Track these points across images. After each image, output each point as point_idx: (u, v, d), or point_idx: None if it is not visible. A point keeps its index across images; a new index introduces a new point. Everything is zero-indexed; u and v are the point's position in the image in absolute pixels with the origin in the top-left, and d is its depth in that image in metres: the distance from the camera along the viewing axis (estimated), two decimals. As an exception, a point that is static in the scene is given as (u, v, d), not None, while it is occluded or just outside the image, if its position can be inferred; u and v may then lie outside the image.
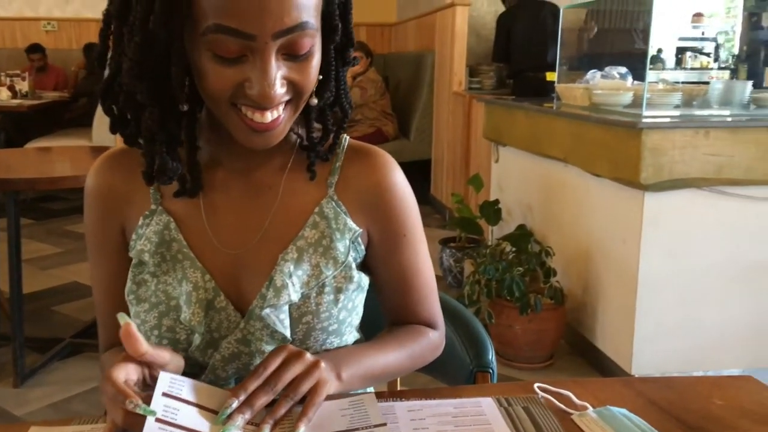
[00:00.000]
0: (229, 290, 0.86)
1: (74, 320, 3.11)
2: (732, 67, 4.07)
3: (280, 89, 0.73)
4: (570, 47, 3.89)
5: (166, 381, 0.71)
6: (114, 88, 0.79)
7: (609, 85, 2.94)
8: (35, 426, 0.76)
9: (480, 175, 3.65)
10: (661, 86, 3.17)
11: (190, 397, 0.71)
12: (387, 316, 0.97)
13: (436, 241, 3.66)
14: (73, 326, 2.99)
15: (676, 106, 2.72)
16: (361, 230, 0.89)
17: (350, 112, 0.88)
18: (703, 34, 4.13)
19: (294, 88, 0.75)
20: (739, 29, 3.99)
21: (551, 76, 3.59)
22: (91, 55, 6.01)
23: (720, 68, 4.03)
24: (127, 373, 0.70)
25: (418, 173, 5.26)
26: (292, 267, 0.85)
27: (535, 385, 0.84)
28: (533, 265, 2.73)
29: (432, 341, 0.96)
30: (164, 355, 0.73)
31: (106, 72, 0.80)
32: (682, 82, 3.77)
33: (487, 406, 0.80)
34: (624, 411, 0.77)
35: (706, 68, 4.04)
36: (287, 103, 0.77)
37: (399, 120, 5.61)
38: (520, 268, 2.68)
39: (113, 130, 0.83)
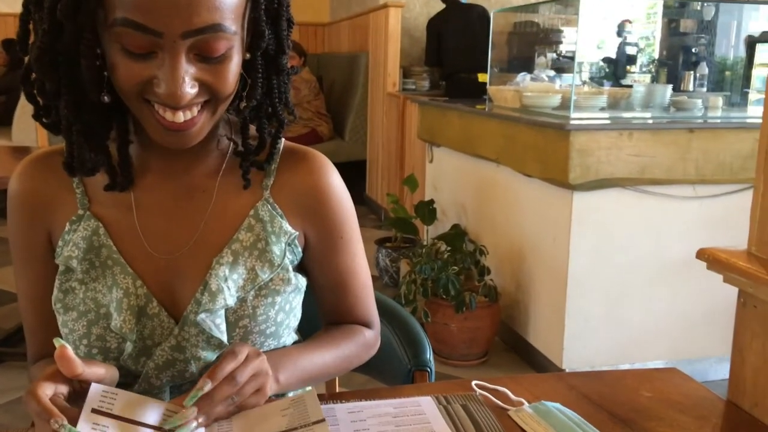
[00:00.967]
0: (162, 296, 0.84)
1: (-5, 328, 2.97)
2: (653, 70, 4.25)
3: (189, 90, 0.72)
4: (500, 50, 3.98)
5: (96, 396, 0.69)
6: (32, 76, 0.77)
7: (538, 87, 3.03)
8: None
9: (415, 176, 3.68)
10: (587, 89, 3.28)
11: (123, 412, 0.70)
12: (323, 316, 0.97)
13: (371, 241, 3.67)
14: (-6, 335, 2.86)
15: (602, 109, 2.82)
16: (297, 233, 0.89)
17: (286, 121, 0.86)
18: (626, 39, 4.29)
19: (208, 90, 0.74)
20: (659, 35, 4.17)
21: (483, 78, 3.66)
22: (11, 50, 5.74)
23: (641, 72, 4.21)
24: (55, 388, 0.67)
25: (354, 174, 5.26)
26: (227, 271, 0.84)
27: (473, 383, 0.86)
28: (468, 264, 2.78)
29: (368, 340, 0.97)
30: (99, 371, 0.72)
31: (26, 58, 0.77)
32: (609, 85, 3.91)
33: (426, 405, 0.81)
34: (558, 405, 0.80)
35: (630, 72, 4.20)
36: (204, 105, 0.76)
37: (333, 120, 5.60)
38: (455, 267, 2.72)
39: (36, 117, 0.80)
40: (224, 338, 0.83)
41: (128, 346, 0.82)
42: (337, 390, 1.17)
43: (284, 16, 0.80)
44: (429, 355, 1.19)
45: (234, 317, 0.85)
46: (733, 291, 0.87)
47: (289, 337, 0.92)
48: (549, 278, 2.60)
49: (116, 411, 0.69)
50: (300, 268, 0.92)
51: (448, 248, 2.90)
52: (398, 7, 4.73)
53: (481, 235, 3.09)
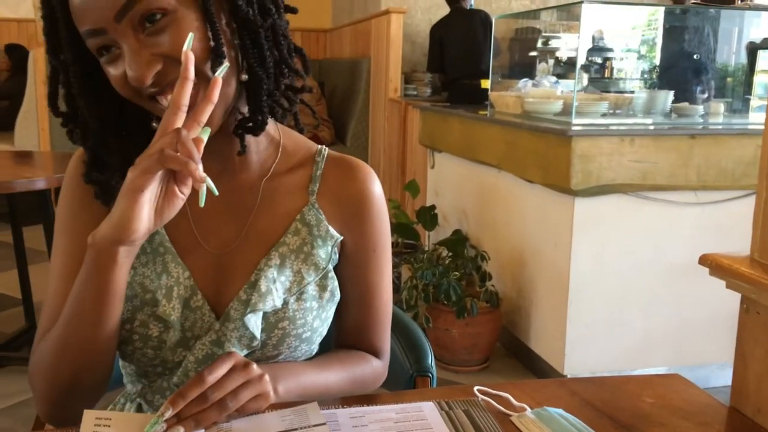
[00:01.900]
0: (207, 290, 0.85)
1: (-4, 333, 2.97)
2: (654, 77, 4.25)
3: (146, 66, 0.72)
4: (502, 56, 3.98)
5: (90, 422, 0.69)
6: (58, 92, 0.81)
7: (540, 93, 3.03)
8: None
9: (416, 181, 3.68)
10: (588, 95, 3.28)
11: None
12: (337, 335, 0.96)
13: (373, 246, 3.67)
14: (-5, 339, 2.86)
15: (603, 115, 2.83)
16: (341, 237, 0.89)
17: (283, 82, 0.82)
18: (626, 45, 4.30)
19: (171, 60, 0.73)
20: (660, 41, 4.18)
21: (486, 84, 3.67)
22: (14, 56, 5.75)
23: (642, 78, 4.21)
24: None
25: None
26: (275, 273, 0.84)
27: (475, 388, 0.86)
28: (469, 270, 2.78)
29: (376, 370, 0.96)
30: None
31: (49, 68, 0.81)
32: (611, 92, 3.91)
33: (428, 410, 0.81)
34: (560, 411, 0.80)
35: (631, 78, 4.20)
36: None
37: (335, 126, 5.60)
38: (457, 273, 2.72)
39: (64, 125, 0.83)
40: (259, 338, 0.83)
41: (172, 335, 0.82)
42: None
43: None
44: (431, 360, 1.19)
45: (274, 318, 0.85)
46: (735, 297, 0.87)
47: (316, 345, 0.92)
48: (550, 284, 2.60)
49: None
50: None
51: (450, 254, 2.90)
52: (400, 13, 4.74)
53: (482, 240, 3.09)
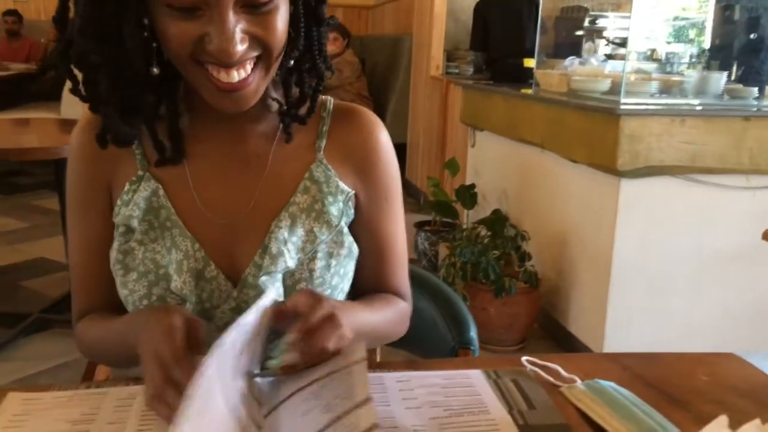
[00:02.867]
0: (220, 260, 0.84)
1: (42, 296, 3.04)
2: (706, 58, 4.12)
3: (240, 44, 0.71)
4: (548, 34, 3.90)
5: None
6: (71, 49, 0.77)
7: (587, 71, 2.96)
8: (13, 392, 0.74)
9: (456, 160, 3.65)
10: (637, 75, 3.20)
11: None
12: (359, 285, 0.95)
13: (411, 224, 3.65)
14: (41, 301, 2.93)
15: (653, 95, 2.75)
16: (352, 192, 0.88)
17: (326, 75, 0.86)
18: (678, 25, 4.17)
19: (260, 44, 0.73)
20: (712, 21, 4.04)
21: (529, 63, 3.60)
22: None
23: (694, 59, 4.09)
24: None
25: (394, 157, 5.24)
26: (286, 234, 0.84)
27: (523, 359, 0.84)
28: (508, 249, 2.75)
29: (404, 311, 0.96)
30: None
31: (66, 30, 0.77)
32: (660, 72, 3.81)
33: (475, 377, 0.80)
34: (612, 384, 0.78)
35: (682, 59, 4.09)
36: (257, 63, 0.75)
37: (375, 103, 5.57)
38: (496, 252, 2.69)
39: (73, 91, 0.80)
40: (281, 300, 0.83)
41: (190, 308, 0.82)
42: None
43: None
44: (473, 333, 1.18)
45: (291, 280, 0.84)
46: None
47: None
48: (592, 266, 2.56)
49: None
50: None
51: (489, 233, 2.87)
52: (444, -11, 4.67)
53: (522, 220, 3.05)
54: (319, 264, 0.85)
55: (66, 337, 2.59)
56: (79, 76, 0.79)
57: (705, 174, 2.40)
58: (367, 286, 0.95)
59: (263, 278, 0.82)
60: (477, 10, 4.86)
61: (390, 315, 0.92)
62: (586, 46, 3.86)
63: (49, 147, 2.42)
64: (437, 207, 3.46)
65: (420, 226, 3.65)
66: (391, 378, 0.79)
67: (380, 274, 0.94)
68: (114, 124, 0.78)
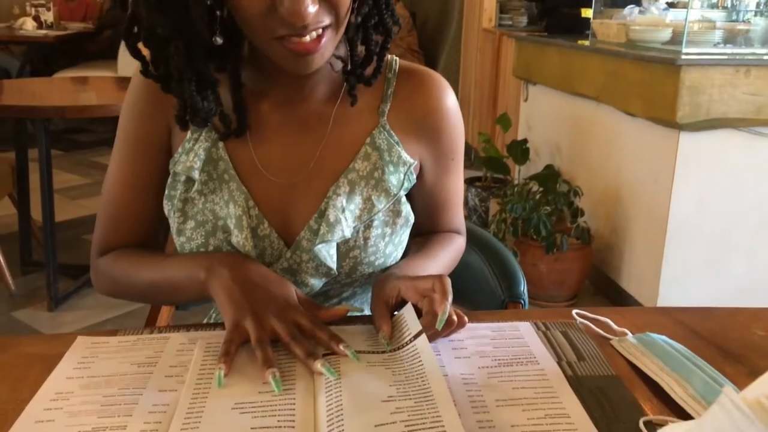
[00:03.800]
0: (273, 220, 0.84)
1: (104, 249, 3.16)
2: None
3: (311, 7, 0.70)
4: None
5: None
6: (136, 27, 0.77)
7: (647, 21, 2.84)
8: (82, 336, 0.78)
9: (508, 114, 3.58)
10: (700, 24, 3.06)
11: None
12: (418, 227, 0.95)
13: (461, 180, 3.63)
14: (104, 255, 3.04)
15: (716, 44, 2.63)
16: (415, 162, 0.87)
17: (394, 32, 0.84)
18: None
19: (329, 6, 0.73)
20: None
21: (586, 13, 3.48)
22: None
23: (761, 8, 3.88)
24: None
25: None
26: (344, 201, 0.83)
27: (573, 312, 0.84)
28: (561, 205, 2.71)
29: (461, 245, 0.99)
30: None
31: (129, 10, 0.77)
32: (724, 20, 3.63)
33: (525, 329, 0.80)
34: (664, 338, 0.77)
35: (747, 7, 3.88)
36: (328, 24, 0.74)
37: (426, 57, 5.50)
38: (548, 208, 2.66)
39: (144, 72, 0.80)
40: (334, 267, 0.84)
41: None
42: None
43: None
44: (523, 287, 1.18)
45: (345, 248, 0.85)
46: None
47: None
48: (647, 222, 2.50)
49: None
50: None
51: (541, 188, 2.83)
52: (498, -63, 4.52)
53: (575, 176, 2.99)
54: (375, 233, 0.85)
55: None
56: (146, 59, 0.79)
57: (770, 127, 2.31)
58: (426, 228, 0.96)
59: (319, 246, 0.82)
60: (532, -43, 4.71)
61: (448, 258, 0.94)
62: (646, -6, 3.70)
63: (107, 104, 2.49)
64: (488, 163, 3.42)
65: (471, 182, 3.62)
66: (440, 328, 0.80)
67: (440, 220, 0.96)
68: (193, 101, 0.78)
